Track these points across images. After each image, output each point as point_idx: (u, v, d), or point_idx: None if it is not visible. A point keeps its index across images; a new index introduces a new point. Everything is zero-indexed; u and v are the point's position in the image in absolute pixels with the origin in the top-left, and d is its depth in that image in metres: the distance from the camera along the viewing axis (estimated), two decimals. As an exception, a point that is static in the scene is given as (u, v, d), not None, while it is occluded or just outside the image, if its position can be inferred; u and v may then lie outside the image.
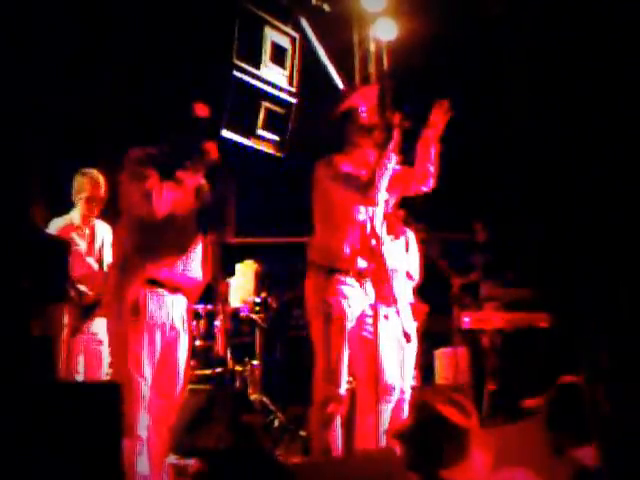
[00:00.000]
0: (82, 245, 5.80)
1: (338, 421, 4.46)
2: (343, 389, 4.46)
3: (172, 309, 4.07)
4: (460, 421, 2.68)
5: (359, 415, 4.62)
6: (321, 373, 4.46)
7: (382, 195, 4.53)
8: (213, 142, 4.12)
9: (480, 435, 2.72)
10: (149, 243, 4.02)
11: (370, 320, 4.54)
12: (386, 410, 5.08)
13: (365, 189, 4.44)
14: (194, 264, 4.15)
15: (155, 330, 4.00)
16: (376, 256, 4.91)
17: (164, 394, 4.08)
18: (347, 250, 4.54)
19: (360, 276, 4.57)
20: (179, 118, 4.17)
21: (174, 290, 4.08)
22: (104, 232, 5.87)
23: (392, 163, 4.50)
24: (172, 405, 4.13)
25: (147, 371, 3.97)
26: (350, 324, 4.51)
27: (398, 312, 4.84)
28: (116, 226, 4.24)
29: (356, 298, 4.55)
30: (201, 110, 4.12)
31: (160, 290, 4.03)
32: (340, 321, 4.46)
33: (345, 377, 4.50)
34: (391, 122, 4.44)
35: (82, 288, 5.51)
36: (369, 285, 4.58)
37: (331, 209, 4.58)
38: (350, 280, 4.54)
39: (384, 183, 4.48)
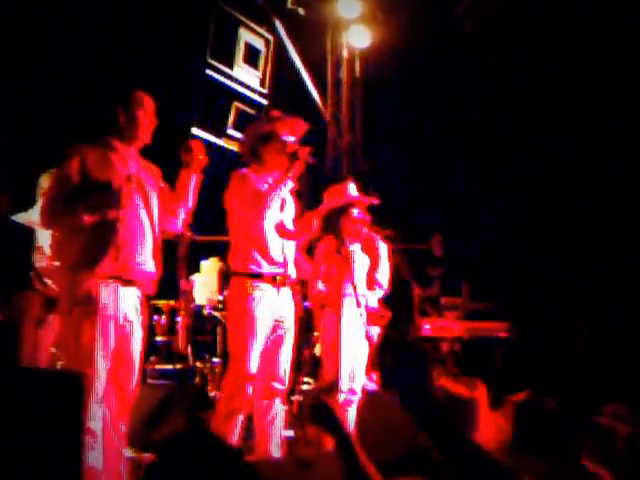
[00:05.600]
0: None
1: (240, 419, 4.51)
2: (249, 389, 4.51)
3: (125, 301, 4.04)
4: (466, 393, 2.74)
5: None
6: (231, 370, 4.57)
7: (272, 212, 4.60)
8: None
9: (487, 407, 2.78)
10: (103, 236, 3.99)
11: (284, 325, 4.63)
12: (347, 413, 5.16)
13: (255, 205, 4.55)
14: (147, 256, 4.13)
15: (108, 322, 3.93)
16: (344, 260, 5.00)
17: (119, 387, 4.03)
18: (257, 256, 4.59)
19: (275, 282, 4.62)
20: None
21: (127, 282, 4.05)
22: None
23: (287, 189, 4.62)
24: (128, 398, 4.09)
25: (100, 363, 3.90)
26: (262, 329, 4.56)
27: (361, 315, 4.95)
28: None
29: (269, 303, 4.59)
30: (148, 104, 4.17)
31: (112, 282, 4.01)
32: (251, 325, 4.52)
33: (252, 375, 4.53)
34: (298, 154, 4.55)
35: (47, 281, 5.47)
36: (286, 291, 4.66)
37: (237, 217, 4.65)
38: (264, 286, 4.59)
39: (275, 203, 4.57)
